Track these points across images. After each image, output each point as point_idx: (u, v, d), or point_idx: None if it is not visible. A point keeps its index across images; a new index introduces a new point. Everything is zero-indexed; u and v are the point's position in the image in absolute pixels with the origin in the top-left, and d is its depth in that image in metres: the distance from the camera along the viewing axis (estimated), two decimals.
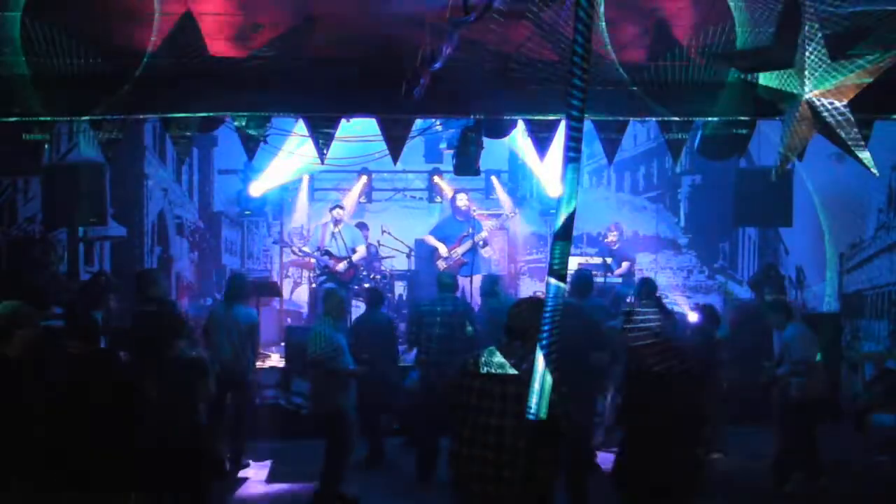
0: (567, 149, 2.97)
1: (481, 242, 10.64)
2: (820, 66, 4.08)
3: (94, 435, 4.54)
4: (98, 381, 4.74)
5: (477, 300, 9.29)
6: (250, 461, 7.76)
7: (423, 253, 11.47)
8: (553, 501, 4.15)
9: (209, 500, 6.03)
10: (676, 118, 6.49)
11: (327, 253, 10.59)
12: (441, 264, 10.55)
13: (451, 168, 8.17)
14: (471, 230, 10.52)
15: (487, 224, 11.23)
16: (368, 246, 11.47)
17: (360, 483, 6.86)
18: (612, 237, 10.88)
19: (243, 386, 7.58)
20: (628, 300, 8.92)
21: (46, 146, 6.49)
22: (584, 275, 7.80)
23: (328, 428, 6.60)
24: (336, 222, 10.68)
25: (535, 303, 4.26)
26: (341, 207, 10.96)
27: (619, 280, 10.41)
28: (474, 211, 10.85)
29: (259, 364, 9.15)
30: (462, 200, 10.78)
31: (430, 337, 7.42)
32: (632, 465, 4.65)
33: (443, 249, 10.63)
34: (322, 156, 6.59)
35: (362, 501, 6.68)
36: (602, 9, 5.52)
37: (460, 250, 10.55)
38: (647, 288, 8.18)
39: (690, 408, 4.62)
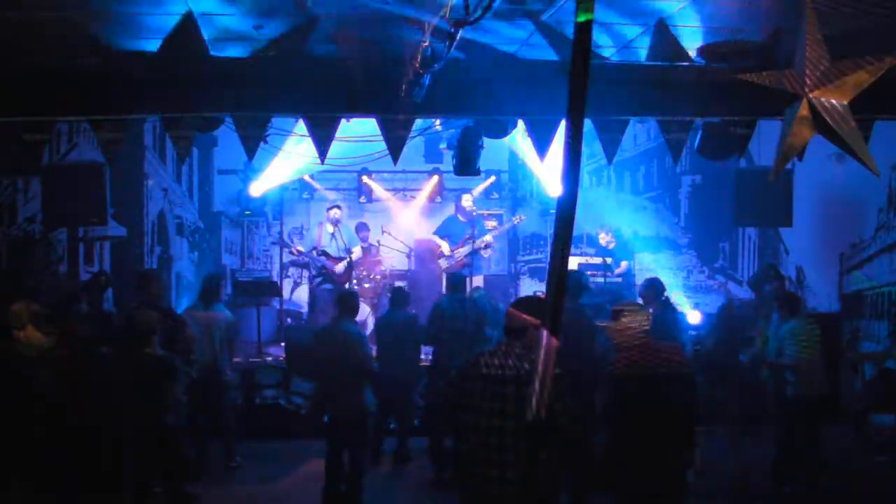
0: (567, 148, 2.96)
1: (483, 245, 10.71)
2: (820, 66, 4.08)
3: (78, 435, 4.54)
4: (82, 381, 4.75)
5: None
6: (239, 459, 7.73)
7: (423, 253, 11.50)
8: (555, 502, 4.15)
9: (184, 497, 6.07)
10: (676, 118, 6.49)
11: (324, 253, 10.63)
12: (443, 263, 10.64)
13: (451, 168, 8.17)
14: (475, 231, 10.61)
15: (490, 224, 11.31)
16: (369, 247, 11.50)
17: (374, 482, 6.85)
18: (603, 238, 10.78)
19: (222, 385, 7.57)
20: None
21: (46, 146, 6.49)
22: (574, 276, 7.66)
23: (349, 430, 6.37)
24: (334, 223, 10.72)
25: (533, 302, 4.25)
26: (338, 207, 11.00)
27: (619, 280, 10.41)
28: (475, 212, 10.91)
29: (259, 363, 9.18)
30: (467, 202, 10.86)
31: (450, 337, 7.38)
32: (614, 467, 4.62)
33: (446, 248, 10.71)
34: (322, 156, 6.59)
35: (377, 501, 6.65)
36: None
37: (464, 251, 10.61)
38: (655, 289, 8.14)
39: (675, 410, 4.56)
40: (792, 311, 7.08)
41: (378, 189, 12.60)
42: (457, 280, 7.91)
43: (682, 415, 4.60)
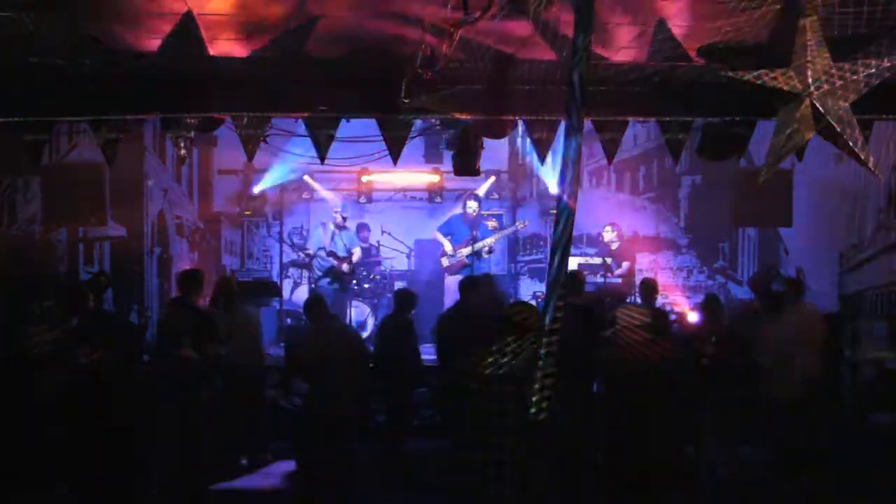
0: (566, 148, 2.97)
1: (487, 249, 10.75)
2: (821, 67, 4.08)
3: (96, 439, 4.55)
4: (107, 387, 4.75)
5: None
6: (269, 457, 7.86)
7: (423, 253, 11.54)
8: (553, 501, 4.14)
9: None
10: (676, 118, 6.49)
11: (332, 254, 10.80)
12: (444, 262, 10.74)
13: (451, 168, 8.17)
14: (478, 234, 10.65)
15: (491, 224, 11.35)
16: (369, 247, 11.59)
17: (381, 483, 6.89)
18: (607, 234, 10.67)
19: (263, 387, 7.71)
20: (627, 300, 8.90)
21: (46, 146, 6.50)
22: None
23: (337, 433, 6.41)
24: (339, 226, 10.91)
25: (531, 304, 4.27)
26: (344, 217, 11.20)
27: (619, 280, 10.40)
28: (479, 213, 10.98)
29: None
30: (472, 207, 10.88)
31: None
32: (609, 459, 4.62)
33: (448, 247, 10.76)
34: (322, 156, 6.60)
35: (388, 501, 6.67)
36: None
37: (466, 251, 10.64)
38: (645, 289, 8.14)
39: (669, 403, 4.55)
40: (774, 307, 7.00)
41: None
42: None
43: (671, 410, 4.58)
